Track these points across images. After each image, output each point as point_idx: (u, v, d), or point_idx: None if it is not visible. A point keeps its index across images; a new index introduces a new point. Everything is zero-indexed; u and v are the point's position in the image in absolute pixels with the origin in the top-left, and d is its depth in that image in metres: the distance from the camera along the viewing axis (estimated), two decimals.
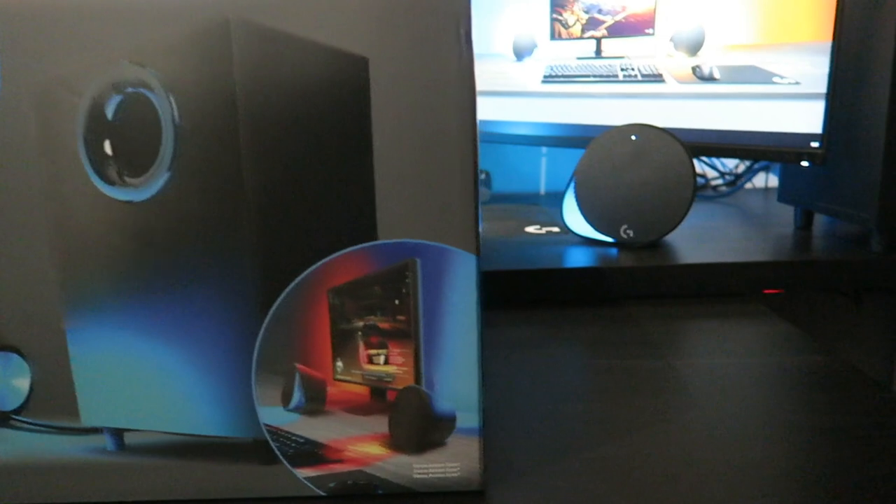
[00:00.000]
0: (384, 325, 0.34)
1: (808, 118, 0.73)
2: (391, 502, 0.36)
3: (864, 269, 0.70)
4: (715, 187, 1.19)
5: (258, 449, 0.35)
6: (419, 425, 0.35)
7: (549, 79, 0.91)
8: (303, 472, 0.36)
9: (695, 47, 0.80)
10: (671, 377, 0.51)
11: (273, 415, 0.35)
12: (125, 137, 0.32)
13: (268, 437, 0.35)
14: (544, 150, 1.27)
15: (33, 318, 0.34)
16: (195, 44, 0.31)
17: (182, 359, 0.34)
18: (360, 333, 0.34)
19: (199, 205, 0.32)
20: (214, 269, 0.33)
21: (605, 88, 0.87)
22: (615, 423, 0.44)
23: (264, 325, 0.34)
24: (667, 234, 0.75)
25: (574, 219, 0.81)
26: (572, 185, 0.80)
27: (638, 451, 0.40)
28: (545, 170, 1.28)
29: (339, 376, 0.35)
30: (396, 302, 0.34)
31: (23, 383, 0.34)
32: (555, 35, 0.89)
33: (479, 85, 0.97)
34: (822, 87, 0.72)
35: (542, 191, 1.28)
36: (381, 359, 0.34)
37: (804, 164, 0.74)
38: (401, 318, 0.34)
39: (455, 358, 0.34)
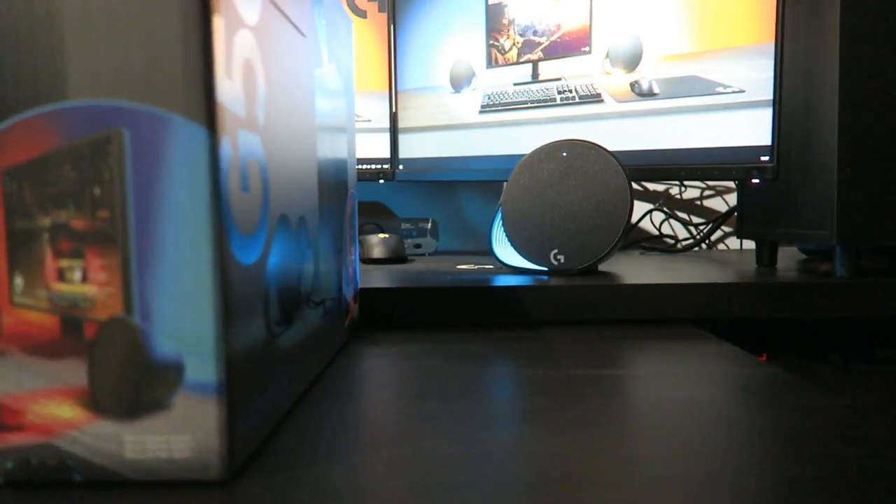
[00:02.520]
0: (79, 225, 0.24)
1: (756, 130, 0.65)
2: (95, 494, 0.25)
3: (827, 293, 0.59)
4: (686, 248, 1.10)
5: None
6: (130, 374, 0.25)
7: (486, 108, 0.84)
8: None
9: (632, 62, 0.73)
10: (583, 383, 0.40)
11: None
12: None
13: None
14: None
15: None
16: None
17: None
18: (46, 235, 0.24)
19: None
20: None
21: (543, 114, 0.80)
22: (477, 418, 0.33)
23: None
24: (602, 258, 0.65)
25: (503, 250, 0.72)
26: (499, 212, 0.71)
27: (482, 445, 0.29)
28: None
29: (18, 299, 0.25)
30: (96, 191, 0.24)
31: None
32: (492, 62, 0.84)
33: (420, 121, 0.91)
34: (769, 94, 0.64)
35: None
36: (77, 274, 0.25)
37: (755, 180, 0.65)
38: (102, 214, 0.24)
39: (181, 277, 0.24)
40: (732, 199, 1.19)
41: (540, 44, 0.79)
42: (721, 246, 1.19)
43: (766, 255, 0.75)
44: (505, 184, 0.69)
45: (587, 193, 0.66)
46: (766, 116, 0.64)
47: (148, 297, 0.25)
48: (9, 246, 0.25)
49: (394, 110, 0.93)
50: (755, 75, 0.64)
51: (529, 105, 0.80)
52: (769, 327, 0.80)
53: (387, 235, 0.88)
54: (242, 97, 0.27)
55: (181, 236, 0.24)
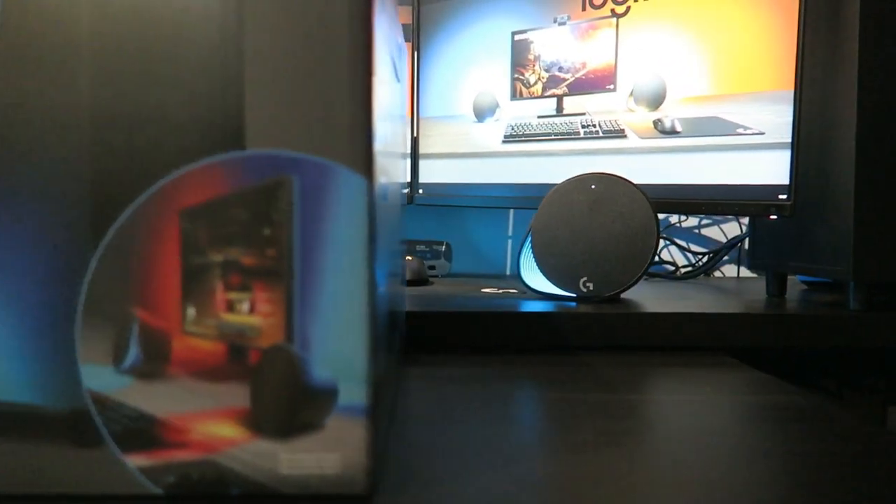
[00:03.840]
0: (248, 262, 0.27)
1: (774, 169, 0.70)
2: None
3: (842, 325, 0.63)
4: (686, 275, 1.14)
5: (76, 423, 0.27)
6: (289, 398, 0.27)
7: (509, 138, 0.88)
8: (133, 460, 0.27)
9: (656, 101, 0.77)
10: (625, 408, 0.43)
11: (99, 376, 0.27)
12: None
13: (90, 406, 0.27)
14: (510, 231, 1.23)
15: None
16: None
17: None
18: (218, 271, 0.27)
19: (20, 99, 0.26)
20: (34, 183, 0.26)
21: (567, 146, 0.83)
22: (554, 445, 0.36)
23: (96, 256, 0.27)
24: (630, 286, 0.69)
25: (532, 275, 0.75)
26: (528, 239, 0.74)
27: (575, 470, 0.32)
28: (510, 250, 1.23)
29: (189, 328, 0.27)
30: (265, 231, 0.27)
31: None
32: (516, 94, 0.87)
33: (441, 147, 0.94)
34: (787, 136, 0.69)
35: (507, 272, 1.22)
36: (244, 306, 0.27)
37: (772, 217, 0.70)
38: (269, 252, 0.27)
39: (338, 310, 0.27)
40: (729, 228, 1.24)
41: (565, 80, 0.83)
42: (717, 273, 1.24)
43: (775, 285, 0.79)
44: (534, 214, 0.72)
45: (615, 224, 0.69)
46: (784, 158, 0.69)
47: (307, 327, 0.27)
48: (184, 280, 0.27)
49: (415, 135, 0.96)
50: (774, 119, 0.69)
51: (553, 137, 0.84)
52: (770, 355, 0.84)
53: (410, 258, 0.91)
54: (382, 145, 0.30)
55: (339, 273, 0.27)
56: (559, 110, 0.84)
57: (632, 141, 0.79)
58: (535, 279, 0.75)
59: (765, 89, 0.69)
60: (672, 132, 0.76)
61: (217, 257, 0.27)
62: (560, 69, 0.83)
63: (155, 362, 0.27)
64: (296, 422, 0.27)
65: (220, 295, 0.27)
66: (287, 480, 0.28)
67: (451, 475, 0.31)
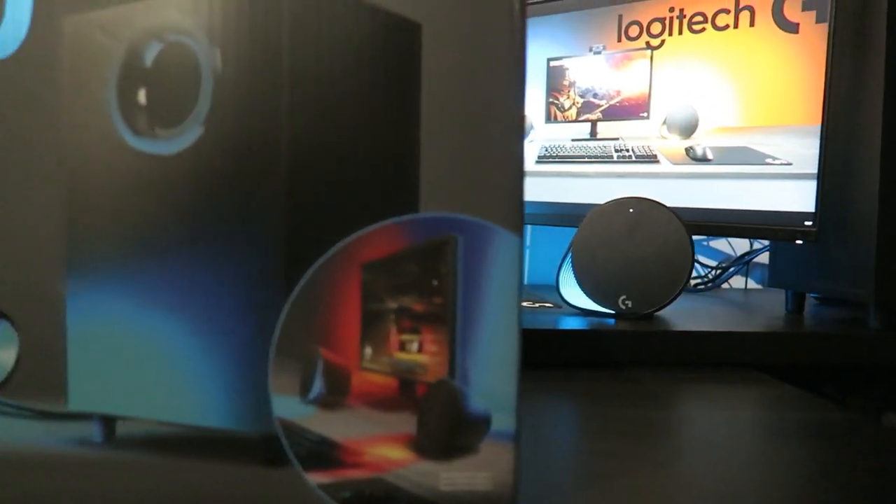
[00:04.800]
0: (418, 308, 0.31)
1: (800, 197, 0.75)
2: None
3: (865, 344, 0.69)
4: (694, 286, 1.20)
5: (266, 446, 0.31)
6: (450, 425, 0.32)
7: (543, 159, 0.92)
8: (315, 478, 0.32)
9: (688, 130, 0.82)
10: (675, 424, 0.48)
11: (288, 406, 0.31)
12: (161, 87, 0.30)
13: (279, 432, 0.31)
14: (528, 241, 1.27)
15: (28, 282, 0.30)
16: None
17: (191, 336, 0.31)
18: (392, 316, 0.31)
19: (228, 165, 0.30)
20: (237, 237, 0.31)
21: (599, 168, 0.88)
22: (625, 458, 0.41)
23: (288, 302, 0.31)
24: (666, 304, 0.74)
25: (570, 291, 0.80)
26: (569, 257, 0.79)
27: (653, 482, 0.37)
28: (528, 261, 1.28)
29: (366, 364, 0.31)
30: (434, 282, 0.31)
31: (8, 356, 0.30)
32: (550, 118, 0.92)
33: None
34: (814, 168, 0.74)
35: (525, 282, 1.27)
36: (414, 346, 0.32)
37: (798, 242, 0.75)
38: (436, 300, 0.31)
39: (492, 349, 0.32)
40: (736, 242, 1.30)
41: (599, 106, 0.88)
42: (724, 286, 1.30)
43: (794, 303, 0.84)
44: (574, 234, 0.77)
45: (652, 246, 0.74)
46: (810, 187, 0.74)
47: (467, 365, 0.32)
48: (363, 323, 0.31)
49: None
50: (802, 151, 0.74)
51: (586, 160, 0.89)
52: (786, 372, 0.89)
53: None
54: None
55: (494, 319, 0.32)
56: (593, 134, 0.89)
57: (664, 166, 0.84)
58: (574, 295, 0.80)
59: (793, 123, 0.75)
60: (703, 160, 0.81)
61: (392, 304, 0.31)
62: (595, 95, 0.88)
63: (336, 394, 0.31)
64: (455, 446, 0.32)
65: (394, 337, 0.31)
66: (445, 496, 0.32)
67: (550, 488, 0.35)
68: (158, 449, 0.31)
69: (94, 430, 0.31)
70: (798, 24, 0.73)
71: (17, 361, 0.30)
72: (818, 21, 0.72)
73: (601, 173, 0.88)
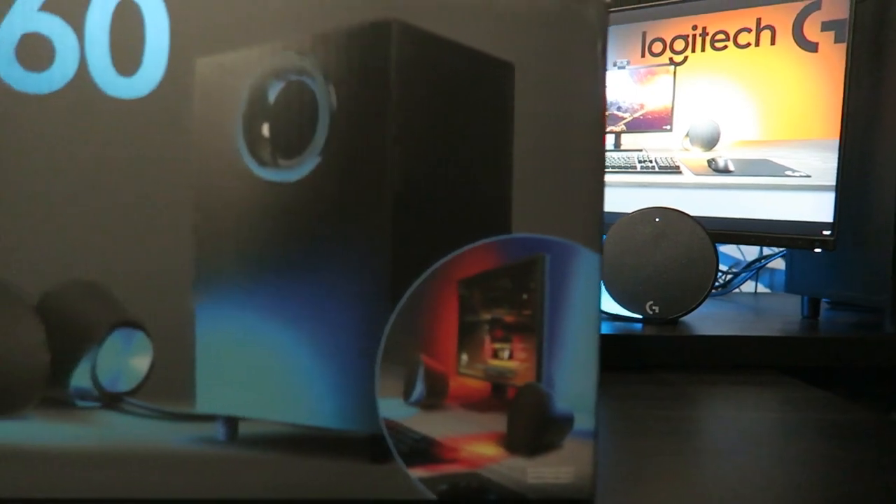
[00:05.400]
0: (509, 319, 0.35)
1: (819, 208, 0.79)
2: None
3: (882, 347, 0.73)
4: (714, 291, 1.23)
5: (373, 444, 0.35)
6: (538, 425, 0.35)
7: None
8: (416, 472, 0.35)
9: (710, 143, 0.86)
10: (705, 424, 0.52)
11: (392, 408, 0.35)
12: (282, 121, 0.34)
13: (385, 431, 0.35)
14: None
15: (162, 296, 0.34)
16: (357, 39, 0.33)
17: (306, 345, 0.34)
18: (486, 326, 0.35)
19: (342, 191, 0.34)
20: (348, 256, 0.34)
21: (623, 178, 0.92)
22: (662, 455, 0.44)
23: (394, 314, 0.34)
24: (692, 309, 0.78)
25: None
26: None
27: (688, 479, 0.41)
28: None
29: (462, 370, 0.35)
30: (524, 296, 0.35)
31: (143, 363, 0.34)
32: None
33: None
34: (832, 180, 0.78)
35: None
36: (506, 353, 0.35)
37: (817, 250, 0.79)
38: (526, 312, 0.35)
39: (575, 356, 0.35)
40: (746, 248, 1.34)
41: (623, 118, 0.92)
42: (734, 290, 1.33)
43: (810, 308, 0.88)
44: (603, 242, 0.81)
45: (677, 254, 0.78)
46: (828, 198, 0.78)
47: (552, 370, 0.35)
48: (459, 333, 0.35)
49: None
50: (820, 164, 0.78)
51: (610, 170, 0.93)
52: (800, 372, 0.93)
53: None
54: None
55: (576, 329, 0.35)
56: (617, 146, 0.93)
57: (686, 177, 0.88)
58: (603, 300, 0.83)
59: (812, 137, 0.79)
60: (725, 171, 0.85)
61: (486, 316, 0.35)
62: (618, 108, 0.92)
63: (435, 397, 0.35)
64: (541, 443, 0.35)
65: (488, 345, 0.35)
66: (532, 488, 0.36)
67: (623, 479, 0.39)
68: (276, 447, 0.34)
69: (218, 430, 0.34)
70: (817, 44, 0.77)
71: (151, 368, 0.34)
72: (837, 41, 0.75)
73: (625, 183, 0.92)
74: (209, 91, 0.33)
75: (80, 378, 0.34)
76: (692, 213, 0.88)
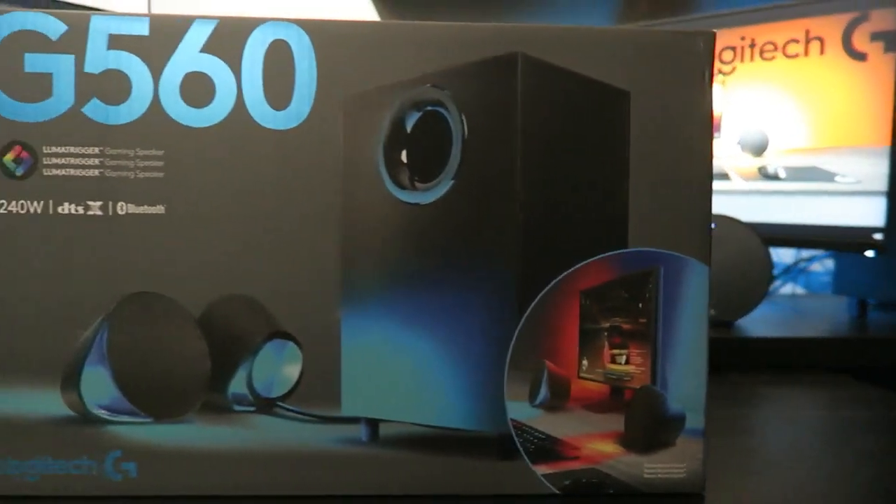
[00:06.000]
0: (626, 327, 0.38)
1: (869, 212, 0.81)
2: (614, 501, 0.38)
3: None
4: None
5: (502, 443, 0.38)
6: (653, 424, 0.38)
7: None
8: (540, 469, 0.38)
9: (760, 150, 0.89)
10: (775, 423, 0.54)
11: (519, 409, 0.38)
12: (419, 148, 0.37)
13: (512, 431, 0.38)
14: None
15: (311, 309, 0.37)
16: (487, 72, 0.37)
17: (441, 353, 0.37)
18: (605, 334, 0.38)
19: (473, 211, 0.37)
20: (480, 270, 0.37)
21: None
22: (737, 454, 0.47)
23: (520, 323, 0.37)
24: (749, 311, 0.80)
25: None
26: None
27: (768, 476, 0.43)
28: None
29: (583, 374, 0.38)
30: (639, 305, 0.38)
31: (293, 371, 0.37)
32: None
33: None
34: (882, 185, 0.80)
35: None
36: (623, 358, 0.38)
37: (868, 253, 0.81)
38: (641, 320, 0.38)
39: (686, 360, 0.38)
40: (783, 251, 1.36)
41: None
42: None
43: (858, 309, 0.91)
44: None
45: (733, 259, 0.81)
46: (879, 203, 0.80)
47: (666, 373, 0.38)
48: (580, 340, 0.38)
49: None
50: (870, 170, 0.80)
51: None
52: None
53: None
54: None
55: (688, 336, 0.38)
56: None
57: (736, 183, 0.90)
58: None
59: (861, 144, 0.81)
60: (775, 177, 0.87)
61: (605, 324, 0.38)
62: None
63: (558, 399, 0.38)
64: (656, 441, 0.38)
65: (606, 351, 0.38)
66: (647, 483, 0.38)
67: (722, 475, 0.42)
68: (413, 446, 0.38)
69: (361, 431, 0.37)
70: (867, 54, 0.80)
71: (301, 375, 0.37)
72: (886, 51, 0.78)
73: None
74: (353, 122, 0.36)
75: (237, 385, 0.37)
76: (744, 219, 0.90)
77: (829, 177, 0.84)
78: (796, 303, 1.10)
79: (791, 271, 1.27)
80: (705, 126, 0.38)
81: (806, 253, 1.24)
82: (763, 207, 0.88)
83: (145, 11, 1.44)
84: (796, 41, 0.84)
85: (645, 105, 0.37)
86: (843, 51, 0.81)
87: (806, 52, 0.83)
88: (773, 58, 0.86)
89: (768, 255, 0.80)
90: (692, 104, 0.37)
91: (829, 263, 1.36)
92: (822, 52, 0.82)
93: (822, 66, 0.83)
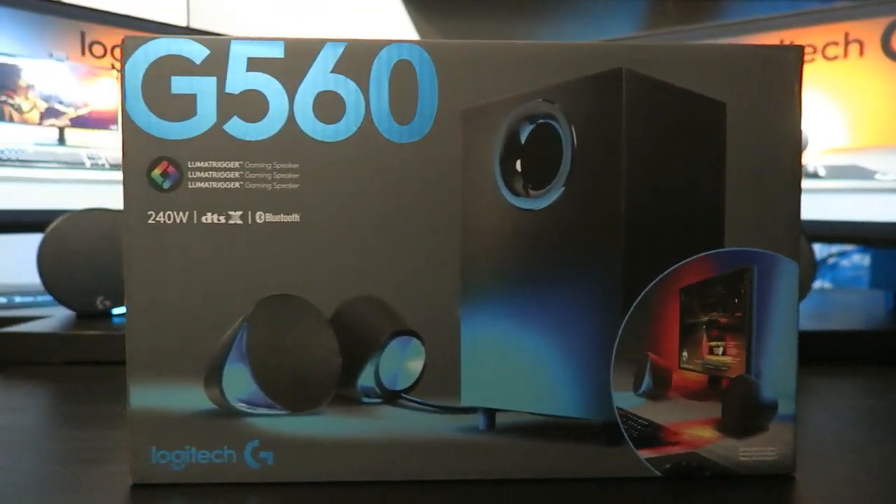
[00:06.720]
0: (723, 321, 0.41)
1: None
2: (712, 484, 0.41)
3: None
4: None
5: (608, 430, 0.41)
6: (748, 411, 0.41)
7: None
8: (644, 454, 0.41)
9: None
10: (845, 413, 0.57)
11: (624, 398, 0.41)
12: (532, 158, 0.40)
13: (618, 419, 0.41)
14: None
15: (433, 308, 0.40)
16: (594, 86, 0.40)
17: (552, 347, 0.40)
18: (703, 327, 0.41)
19: (581, 216, 0.40)
20: (588, 270, 0.40)
21: None
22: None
23: (625, 319, 0.40)
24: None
25: None
26: None
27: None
28: None
29: (683, 365, 0.41)
30: (735, 301, 0.41)
31: (417, 365, 0.40)
32: None
33: None
34: None
35: None
36: (720, 350, 0.41)
37: None
38: (737, 314, 0.41)
39: (778, 351, 0.41)
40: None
41: None
42: None
43: (894, 302, 0.93)
44: None
45: None
46: None
47: (760, 363, 0.41)
48: (681, 333, 0.41)
49: None
50: None
51: None
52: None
53: None
54: None
55: (780, 327, 0.41)
56: None
57: None
58: None
59: None
60: (815, 176, 0.90)
61: (703, 318, 0.41)
62: None
63: (660, 388, 0.41)
64: (750, 426, 0.41)
65: (704, 343, 0.41)
66: (742, 465, 0.41)
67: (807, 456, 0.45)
68: (527, 434, 0.41)
69: (479, 421, 0.40)
70: None
71: (424, 369, 0.40)
72: None
73: None
74: (472, 134, 0.39)
75: (365, 379, 0.40)
76: None
77: (868, 175, 0.86)
78: (833, 297, 1.12)
79: (821, 267, 1.30)
80: (795, 133, 0.40)
81: (835, 249, 1.27)
82: (804, 205, 0.91)
83: (184, 18, 1.47)
84: (836, 44, 0.86)
85: (739, 114, 0.40)
86: (882, 53, 0.84)
87: (845, 55, 0.86)
88: (812, 60, 0.89)
89: (811, 252, 0.83)
90: (783, 113, 0.40)
91: (857, 259, 1.39)
92: (861, 54, 0.85)
93: (862, 68, 0.86)
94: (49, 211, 0.83)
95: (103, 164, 0.93)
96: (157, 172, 0.38)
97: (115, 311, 0.81)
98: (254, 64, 0.39)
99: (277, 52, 0.39)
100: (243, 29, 1.52)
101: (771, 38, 0.92)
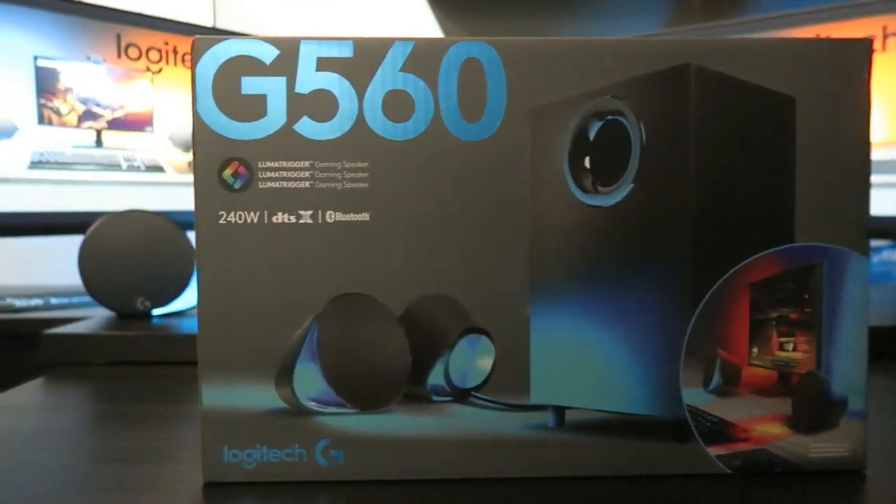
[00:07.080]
0: (793, 316, 0.41)
1: None
2: (783, 480, 0.41)
3: None
4: None
5: (677, 427, 0.41)
6: (818, 407, 0.41)
7: None
8: (713, 451, 0.41)
9: None
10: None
11: (693, 395, 0.41)
12: (601, 155, 0.40)
13: (687, 415, 0.41)
14: None
15: (502, 306, 0.40)
16: (662, 82, 0.39)
17: (621, 344, 0.40)
18: (773, 323, 0.41)
19: (650, 212, 0.40)
20: (656, 267, 0.40)
21: None
22: None
23: (695, 315, 0.40)
24: None
25: None
26: None
27: None
28: None
29: (752, 361, 0.41)
30: (805, 296, 0.40)
31: (486, 363, 0.40)
32: None
33: None
34: None
35: None
36: (790, 346, 0.41)
37: None
38: (807, 310, 0.41)
39: (848, 347, 0.41)
40: None
41: None
42: None
43: None
44: None
45: None
46: None
47: (830, 359, 0.41)
48: (750, 329, 0.41)
49: None
50: None
51: None
52: None
53: None
54: None
55: (850, 322, 0.41)
56: None
57: None
58: None
59: None
60: None
61: (773, 314, 0.41)
62: None
63: (730, 385, 0.41)
64: (821, 422, 0.41)
65: (774, 339, 0.41)
66: (813, 461, 0.41)
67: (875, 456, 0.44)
68: (596, 431, 0.40)
69: (548, 418, 0.40)
70: None
71: (494, 367, 0.40)
72: None
73: None
74: (541, 131, 0.39)
75: (435, 377, 0.40)
76: None
77: None
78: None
79: None
80: (864, 127, 0.40)
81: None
82: None
83: (210, 18, 1.48)
84: (873, 38, 0.86)
85: (809, 109, 0.40)
86: None
87: (884, 48, 0.85)
88: None
89: None
90: (853, 107, 0.40)
91: (886, 255, 1.38)
92: None
93: None
94: (87, 213, 0.84)
95: (139, 167, 0.93)
96: (228, 173, 0.39)
97: (155, 311, 0.82)
98: (323, 63, 0.39)
99: (346, 51, 0.39)
100: (266, 29, 1.53)
101: (806, 33, 0.91)
